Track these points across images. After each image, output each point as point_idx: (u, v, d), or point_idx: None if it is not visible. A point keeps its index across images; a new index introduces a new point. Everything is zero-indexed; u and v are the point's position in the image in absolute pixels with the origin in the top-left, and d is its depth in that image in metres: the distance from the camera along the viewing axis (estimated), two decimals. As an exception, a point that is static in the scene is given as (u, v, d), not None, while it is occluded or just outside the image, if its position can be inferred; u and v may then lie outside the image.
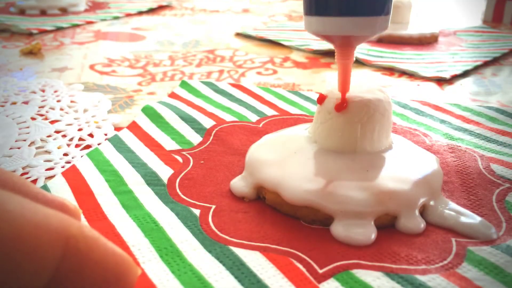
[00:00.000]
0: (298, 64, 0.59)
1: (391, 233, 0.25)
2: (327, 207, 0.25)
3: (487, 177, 0.31)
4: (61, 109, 0.43)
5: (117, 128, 0.39)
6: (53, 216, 0.12)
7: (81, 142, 0.36)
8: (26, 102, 0.44)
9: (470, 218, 0.26)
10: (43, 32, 0.74)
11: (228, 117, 0.39)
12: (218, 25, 0.81)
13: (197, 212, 0.27)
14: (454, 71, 0.55)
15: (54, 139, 0.37)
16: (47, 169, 0.32)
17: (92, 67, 0.57)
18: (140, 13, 0.91)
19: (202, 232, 0.25)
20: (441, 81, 0.53)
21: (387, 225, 0.25)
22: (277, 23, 0.83)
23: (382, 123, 0.28)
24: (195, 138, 0.36)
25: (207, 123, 0.38)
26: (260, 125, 0.39)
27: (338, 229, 0.25)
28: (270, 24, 0.83)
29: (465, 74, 0.55)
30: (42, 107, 0.43)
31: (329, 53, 0.62)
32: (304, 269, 0.22)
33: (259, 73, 0.55)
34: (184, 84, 0.48)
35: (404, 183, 0.26)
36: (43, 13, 0.85)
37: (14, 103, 0.44)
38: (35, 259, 0.11)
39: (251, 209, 0.27)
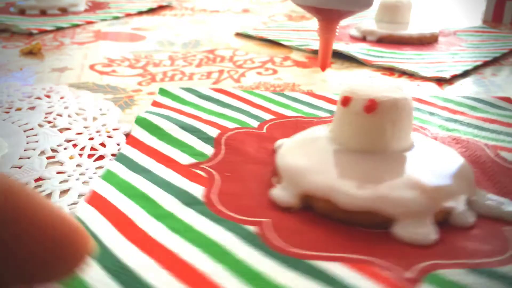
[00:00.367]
0: (298, 64, 0.59)
1: (444, 229, 0.26)
2: (387, 210, 0.25)
3: (501, 164, 0.32)
4: (69, 116, 0.41)
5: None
6: None
7: (93, 152, 0.35)
8: (32, 108, 0.43)
9: (511, 205, 0.28)
10: (43, 32, 0.74)
11: (229, 124, 0.39)
12: (218, 25, 0.81)
13: (253, 228, 0.26)
14: (454, 71, 0.55)
15: (65, 148, 0.35)
16: (61, 182, 0.31)
17: (92, 67, 0.57)
18: (140, 13, 0.91)
19: (271, 249, 0.24)
20: (441, 81, 0.53)
21: (440, 222, 0.26)
22: (277, 23, 0.83)
23: (408, 121, 0.29)
24: (206, 149, 0.34)
25: (211, 131, 0.37)
26: (264, 130, 0.38)
27: (403, 231, 0.25)
28: (270, 24, 0.83)
29: (465, 74, 0.55)
30: (49, 113, 0.42)
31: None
32: (392, 276, 0.22)
33: (259, 73, 0.55)
34: (163, 92, 0.46)
35: (447, 178, 0.27)
36: (43, 13, 0.85)
37: (19, 109, 0.43)
38: None
39: (305, 219, 0.27)
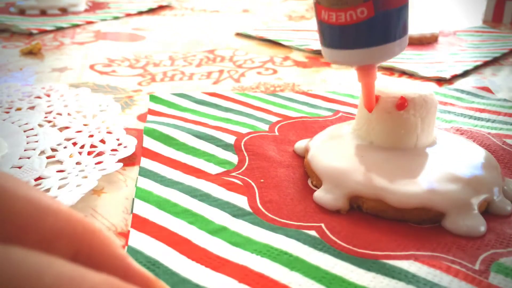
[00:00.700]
0: (298, 64, 0.59)
1: (487, 219, 0.26)
2: (439, 205, 0.26)
3: (511, 151, 0.34)
4: (69, 115, 0.41)
5: (129, 132, 0.38)
6: None
7: (92, 149, 0.35)
8: (31, 108, 0.43)
9: None
10: (43, 32, 0.74)
11: (241, 129, 0.38)
12: (218, 25, 0.81)
13: (312, 233, 0.26)
14: (454, 71, 0.55)
15: (65, 147, 0.35)
16: (60, 179, 0.31)
17: (92, 67, 0.57)
18: (140, 13, 0.91)
19: (340, 252, 0.24)
20: (441, 81, 0.53)
21: (482, 213, 0.27)
22: (277, 23, 0.83)
23: (434, 116, 0.30)
24: (229, 156, 0.34)
25: (227, 138, 0.36)
26: (276, 133, 0.38)
27: (455, 225, 0.26)
28: (270, 24, 0.83)
29: (465, 74, 0.55)
30: (49, 112, 0.42)
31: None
32: (464, 269, 0.23)
33: (259, 73, 0.55)
34: (155, 99, 0.44)
35: (482, 170, 0.28)
36: (43, 13, 0.85)
37: (19, 109, 0.42)
38: None
39: (356, 220, 0.27)
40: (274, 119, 0.41)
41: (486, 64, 0.59)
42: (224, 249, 0.24)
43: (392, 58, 0.28)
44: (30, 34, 0.72)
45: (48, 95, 0.46)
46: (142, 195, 0.29)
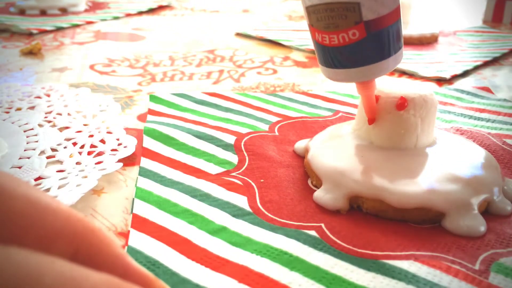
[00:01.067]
0: (298, 64, 0.59)
1: (487, 219, 0.26)
2: (439, 205, 0.26)
3: (511, 151, 0.34)
4: (69, 115, 0.41)
5: (129, 132, 0.38)
6: None
7: (92, 149, 0.35)
8: (31, 108, 0.43)
9: None
10: (43, 32, 0.74)
11: (241, 129, 0.38)
12: (218, 25, 0.81)
13: (312, 233, 0.26)
14: (454, 71, 0.55)
15: (65, 147, 0.35)
16: (60, 179, 0.30)
17: (92, 67, 0.57)
18: (140, 13, 0.91)
19: (340, 252, 0.24)
20: (441, 81, 0.53)
21: (481, 212, 0.27)
22: (277, 23, 0.83)
23: (434, 116, 0.30)
24: (229, 156, 0.34)
25: (227, 138, 0.36)
26: (276, 133, 0.38)
27: (455, 225, 0.26)
28: (270, 24, 0.83)
29: (465, 74, 0.55)
30: (49, 112, 0.42)
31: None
32: (464, 269, 0.23)
33: (259, 73, 0.55)
34: (155, 99, 0.44)
35: (482, 170, 0.28)
36: (43, 13, 0.85)
37: (19, 109, 0.42)
38: None
39: (356, 220, 0.27)
40: (274, 119, 0.41)
41: (486, 64, 0.59)
42: (224, 249, 0.24)
43: (389, 72, 0.28)
44: (30, 34, 0.72)
45: (48, 95, 0.46)
46: (142, 195, 0.29)
